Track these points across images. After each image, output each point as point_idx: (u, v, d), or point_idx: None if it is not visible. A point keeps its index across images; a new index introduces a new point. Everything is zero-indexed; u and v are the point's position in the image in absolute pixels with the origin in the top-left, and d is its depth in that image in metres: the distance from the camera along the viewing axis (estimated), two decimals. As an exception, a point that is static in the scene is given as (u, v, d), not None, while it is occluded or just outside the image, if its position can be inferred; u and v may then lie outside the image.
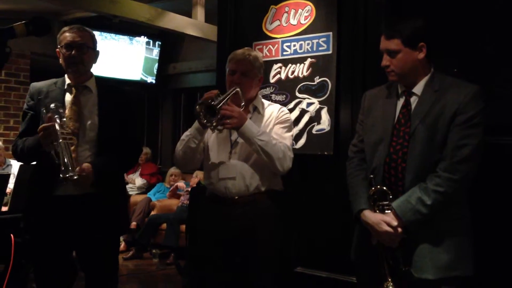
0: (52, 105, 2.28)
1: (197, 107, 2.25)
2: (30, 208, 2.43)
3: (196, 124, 2.37)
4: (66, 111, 2.36)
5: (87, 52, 2.42)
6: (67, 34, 2.40)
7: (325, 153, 3.06)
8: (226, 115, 2.26)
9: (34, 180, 2.45)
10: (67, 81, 2.46)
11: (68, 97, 2.43)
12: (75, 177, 2.14)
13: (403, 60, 1.99)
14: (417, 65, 2.00)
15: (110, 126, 2.43)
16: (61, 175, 2.13)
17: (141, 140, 6.76)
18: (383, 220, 1.96)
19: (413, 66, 2.00)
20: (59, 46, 2.42)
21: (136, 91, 6.78)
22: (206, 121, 2.25)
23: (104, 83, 2.56)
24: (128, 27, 6.55)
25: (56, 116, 2.24)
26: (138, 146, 2.71)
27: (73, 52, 2.38)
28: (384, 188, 2.00)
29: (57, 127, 2.20)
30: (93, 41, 2.48)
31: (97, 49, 2.52)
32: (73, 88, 2.44)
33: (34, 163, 2.51)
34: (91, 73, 2.52)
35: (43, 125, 2.23)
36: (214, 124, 2.25)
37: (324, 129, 3.07)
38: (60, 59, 2.44)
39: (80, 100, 2.43)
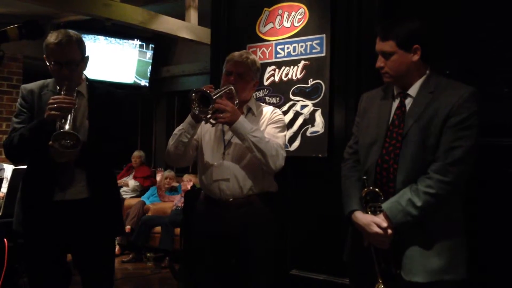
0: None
1: (193, 94, 2.24)
2: (27, 213, 2.40)
3: (189, 118, 2.37)
4: None
5: (76, 68, 2.36)
6: (54, 49, 2.29)
7: (319, 155, 3.06)
8: (220, 109, 2.25)
9: (30, 184, 2.42)
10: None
11: None
12: (71, 139, 2.16)
13: (397, 62, 1.98)
14: (411, 67, 1.99)
15: (100, 129, 2.41)
16: (61, 130, 2.16)
17: (133, 141, 6.69)
18: (373, 221, 1.95)
19: (407, 68, 1.99)
20: (45, 56, 2.35)
21: (129, 93, 6.74)
22: (198, 111, 2.25)
23: (96, 86, 2.53)
24: (121, 30, 6.54)
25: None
26: (127, 145, 2.65)
27: (62, 70, 2.31)
28: (376, 189, 2.00)
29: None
30: (81, 50, 2.38)
31: (86, 54, 2.43)
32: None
33: (25, 166, 2.49)
34: (83, 77, 2.49)
35: (64, 96, 2.23)
36: (207, 116, 2.24)
37: (318, 132, 3.07)
38: (48, 67, 2.37)
39: None
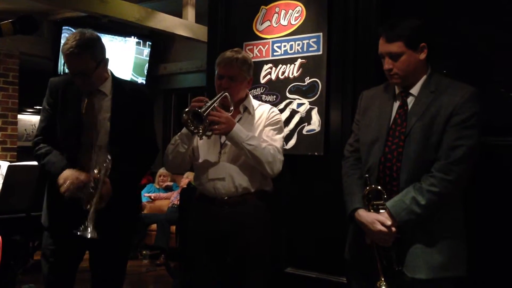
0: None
1: (184, 115, 2.25)
2: (51, 210, 2.42)
3: (185, 129, 2.36)
4: (81, 115, 2.35)
5: (90, 77, 2.30)
6: (66, 58, 2.26)
7: (315, 153, 3.06)
8: (214, 121, 2.26)
9: (52, 180, 2.36)
10: None
11: (83, 101, 2.38)
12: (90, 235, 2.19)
13: (407, 62, 1.98)
14: (418, 65, 2.01)
15: (122, 130, 2.38)
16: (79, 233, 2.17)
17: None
18: (377, 219, 1.97)
19: (415, 67, 2.01)
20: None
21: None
22: (193, 128, 2.26)
23: (122, 83, 2.49)
24: (118, 27, 6.52)
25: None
26: (154, 147, 2.58)
27: (75, 78, 2.31)
28: (379, 187, 2.01)
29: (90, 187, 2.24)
30: (95, 58, 2.29)
31: (106, 56, 2.39)
32: (86, 100, 2.38)
33: (22, 163, 2.49)
34: (106, 75, 2.43)
35: (79, 179, 2.23)
36: (202, 131, 2.26)
37: (315, 130, 3.07)
38: None
39: (94, 105, 2.37)
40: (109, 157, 2.28)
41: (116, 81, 2.47)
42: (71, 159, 2.30)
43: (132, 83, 2.59)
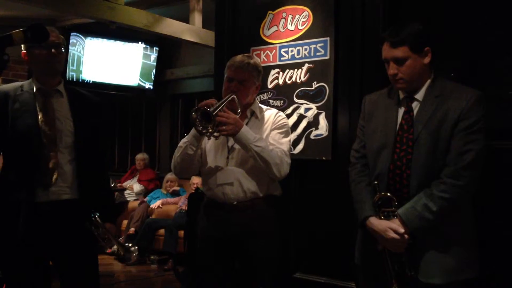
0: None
1: (193, 113, 2.26)
2: (7, 214, 2.30)
3: (193, 131, 2.37)
4: (39, 116, 2.31)
5: (63, 54, 2.40)
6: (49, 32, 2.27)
7: (323, 158, 3.06)
8: (222, 122, 2.26)
9: (8, 184, 2.32)
10: (36, 85, 2.38)
11: (39, 102, 2.35)
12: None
13: (412, 66, 1.98)
14: (423, 70, 2.01)
15: (84, 131, 2.41)
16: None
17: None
18: (390, 227, 1.96)
19: (420, 72, 2.00)
20: (26, 49, 2.32)
21: (106, 96, 6.60)
22: (201, 127, 2.26)
23: (72, 88, 2.53)
24: (125, 33, 6.55)
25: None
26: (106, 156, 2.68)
27: (51, 52, 2.31)
28: (389, 194, 2.01)
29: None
30: (64, 42, 2.44)
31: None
32: (44, 100, 2.37)
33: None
34: (60, 78, 2.47)
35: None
36: (210, 131, 2.26)
37: (322, 134, 3.07)
38: (30, 62, 2.36)
39: (53, 104, 2.38)
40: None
41: (67, 84, 2.52)
42: (34, 159, 2.26)
43: (81, 90, 2.60)
